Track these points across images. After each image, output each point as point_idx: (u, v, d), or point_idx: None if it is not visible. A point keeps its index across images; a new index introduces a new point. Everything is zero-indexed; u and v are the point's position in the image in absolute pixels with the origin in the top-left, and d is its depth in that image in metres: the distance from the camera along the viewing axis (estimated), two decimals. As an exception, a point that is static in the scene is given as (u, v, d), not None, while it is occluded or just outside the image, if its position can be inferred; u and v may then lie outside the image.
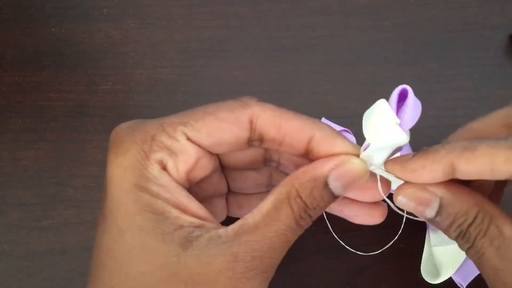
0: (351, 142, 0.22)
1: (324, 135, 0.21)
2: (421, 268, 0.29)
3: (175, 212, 0.19)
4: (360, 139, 0.32)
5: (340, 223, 0.31)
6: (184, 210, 0.20)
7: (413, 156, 0.20)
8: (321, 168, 0.20)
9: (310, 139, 0.21)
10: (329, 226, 0.27)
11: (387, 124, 0.19)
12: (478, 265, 0.20)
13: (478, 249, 0.19)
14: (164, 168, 0.20)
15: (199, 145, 0.21)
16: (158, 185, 0.20)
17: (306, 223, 0.20)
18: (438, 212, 0.20)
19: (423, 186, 0.20)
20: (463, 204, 0.20)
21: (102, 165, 0.33)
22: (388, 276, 0.31)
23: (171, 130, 0.21)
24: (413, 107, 0.19)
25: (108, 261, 0.20)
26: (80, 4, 0.37)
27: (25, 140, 0.33)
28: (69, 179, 0.33)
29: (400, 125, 0.20)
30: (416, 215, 0.21)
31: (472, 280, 0.28)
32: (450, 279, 0.28)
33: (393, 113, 0.19)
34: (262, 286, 0.20)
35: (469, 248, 0.20)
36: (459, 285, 0.28)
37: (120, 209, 0.20)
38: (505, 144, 0.18)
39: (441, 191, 0.20)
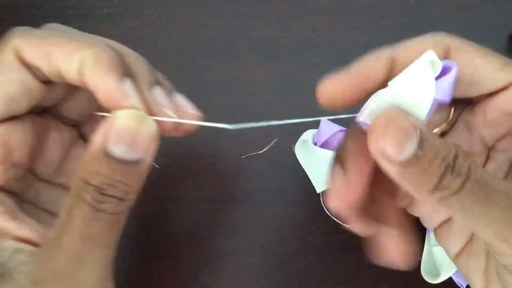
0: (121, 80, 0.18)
1: (92, 64, 0.18)
2: (421, 268, 0.29)
3: None
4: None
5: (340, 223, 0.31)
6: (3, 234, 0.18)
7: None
8: (93, 141, 0.18)
9: (82, 66, 0.18)
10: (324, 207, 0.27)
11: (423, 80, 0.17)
12: (480, 199, 0.17)
13: (478, 177, 0.17)
14: None
15: None
16: None
17: (116, 204, 0.18)
18: (419, 146, 0.17)
19: (402, 114, 0.18)
20: (441, 140, 0.18)
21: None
22: (388, 276, 0.31)
23: None
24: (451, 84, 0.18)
25: None
26: (80, 4, 0.37)
27: (25, 140, 0.33)
28: (69, 179, 0.33)
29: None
30: (394, 156, 0.17)
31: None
32: (450, 279, 0.28)
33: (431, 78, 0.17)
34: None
35: (464, 181, 0.17)
36: (459, 285, 0.28)
37: None
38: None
39: (418, 124, 0.17)
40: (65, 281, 0.17)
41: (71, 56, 0.18)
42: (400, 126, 0.17)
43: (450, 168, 0.17)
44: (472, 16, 0.36)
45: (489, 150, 0.23)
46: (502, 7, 0.36)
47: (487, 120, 0.21)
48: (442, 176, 0.17)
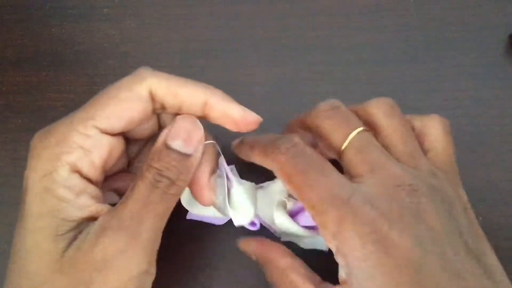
0: (241, 107, 0.24)
1: (217, 100, 0.24)
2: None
3: (75, 215, 0.21)
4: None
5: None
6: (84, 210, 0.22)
7: None
8: (158, 138, 0.23)
9: (205, 104, 0.24)
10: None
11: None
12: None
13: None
14: (76, 169, 0.22)
15: (111, 134, 0.23)
16: (66, 187, 0.21)
17: (169, 184, 0.22)
18: None
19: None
20: None
21: (102, 165, 0.33)
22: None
23: (82, 128, 0.22)
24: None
25: (15, 258, 0.21)
26: (80, 4, 0.37)
27: (25, 140, 0.33)
28: (69, 179, 0.33)
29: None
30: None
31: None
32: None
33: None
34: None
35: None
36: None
37: (28, 211, 0.21)
38: None
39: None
40: (126, 232, 0.21)
41: (195, 97, 0.24)
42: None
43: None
44: (472, 16, 0.36)
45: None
46: (502, 7, 0.36)
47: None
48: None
